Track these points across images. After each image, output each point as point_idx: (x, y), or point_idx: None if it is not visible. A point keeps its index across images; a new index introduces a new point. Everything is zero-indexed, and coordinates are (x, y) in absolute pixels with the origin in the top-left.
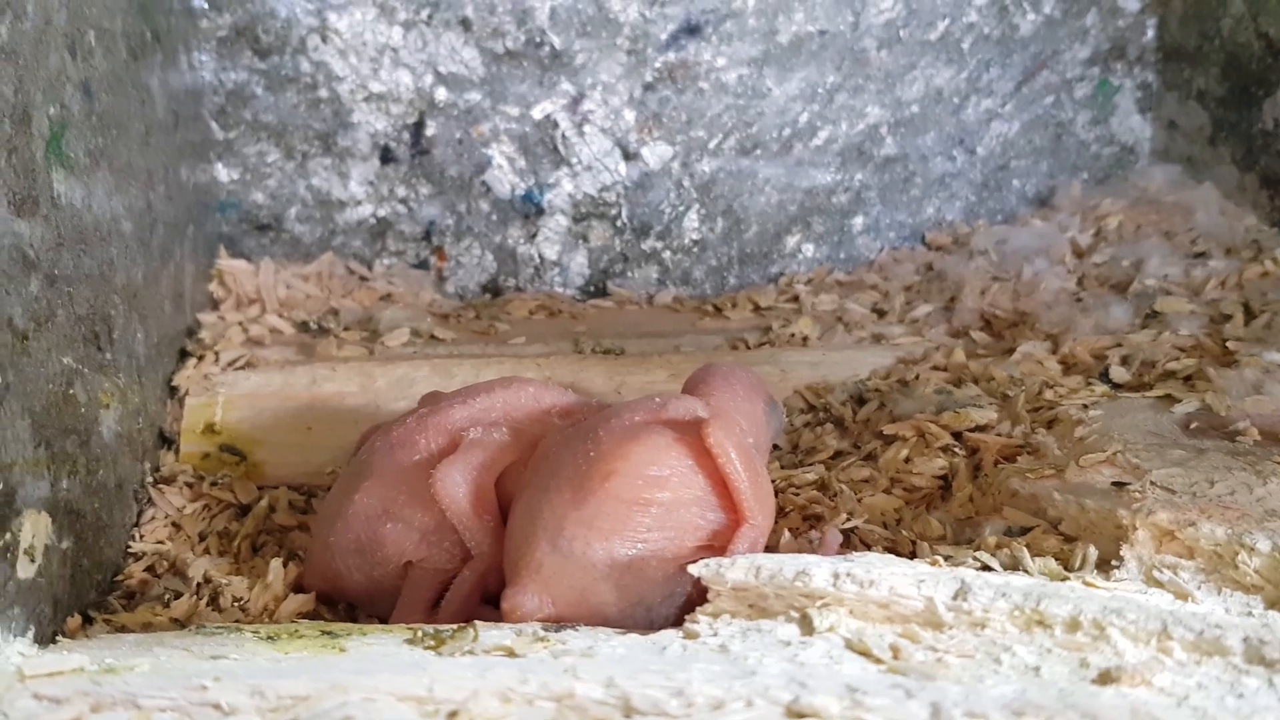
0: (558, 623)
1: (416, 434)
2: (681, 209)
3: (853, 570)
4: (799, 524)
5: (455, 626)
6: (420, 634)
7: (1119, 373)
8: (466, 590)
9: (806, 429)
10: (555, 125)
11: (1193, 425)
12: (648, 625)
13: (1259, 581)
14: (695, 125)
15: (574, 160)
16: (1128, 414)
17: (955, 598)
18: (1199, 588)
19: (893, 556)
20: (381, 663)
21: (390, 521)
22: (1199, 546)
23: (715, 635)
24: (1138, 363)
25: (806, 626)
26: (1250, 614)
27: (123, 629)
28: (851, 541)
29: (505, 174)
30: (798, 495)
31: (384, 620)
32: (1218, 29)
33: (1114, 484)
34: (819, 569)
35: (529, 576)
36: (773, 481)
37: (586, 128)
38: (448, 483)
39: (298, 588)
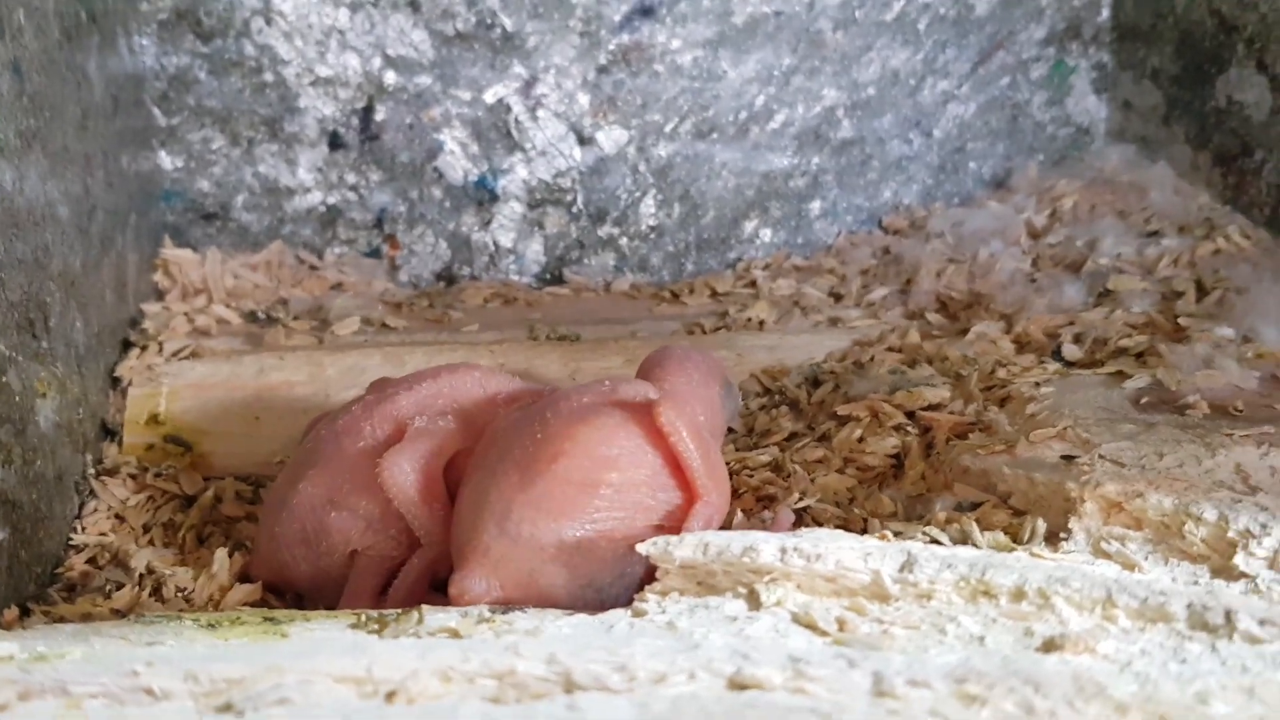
0: (506, 605)
1: (362, 421)
2: (638, 194)
3: (800, 545)
4: (752, 505)
5: (400, 611)
6: (364, 618)
7: (1071, 350)
8: (414, 577)
9: (762, 412)
10: (508, 109)
11: (1143, 400)
12: (599, 606)
13: (1205, 551)
14: (650, 109)
15: (528, 145)
16: (1079, 390)
17: (901, 570)
18: (1146, 558)
19: (841, 532)
20: (322, 646)
21: (335, 510)
22: (1146, 517)
23: (663, 613)
24: (1090, 340)
25: (754, 602)
26: (1196, 583)
27: (61, 620)
28: (804, 520)
29: (458, 160)
30: (751, 477)
31: (332, 609)
32: (1171, 6)
33: (1063, 457)
34: (766, 545)
35: (476, 560)
36: (727, 464)
37: (540, 112)
38: (395, 471)
39: (244, 577)
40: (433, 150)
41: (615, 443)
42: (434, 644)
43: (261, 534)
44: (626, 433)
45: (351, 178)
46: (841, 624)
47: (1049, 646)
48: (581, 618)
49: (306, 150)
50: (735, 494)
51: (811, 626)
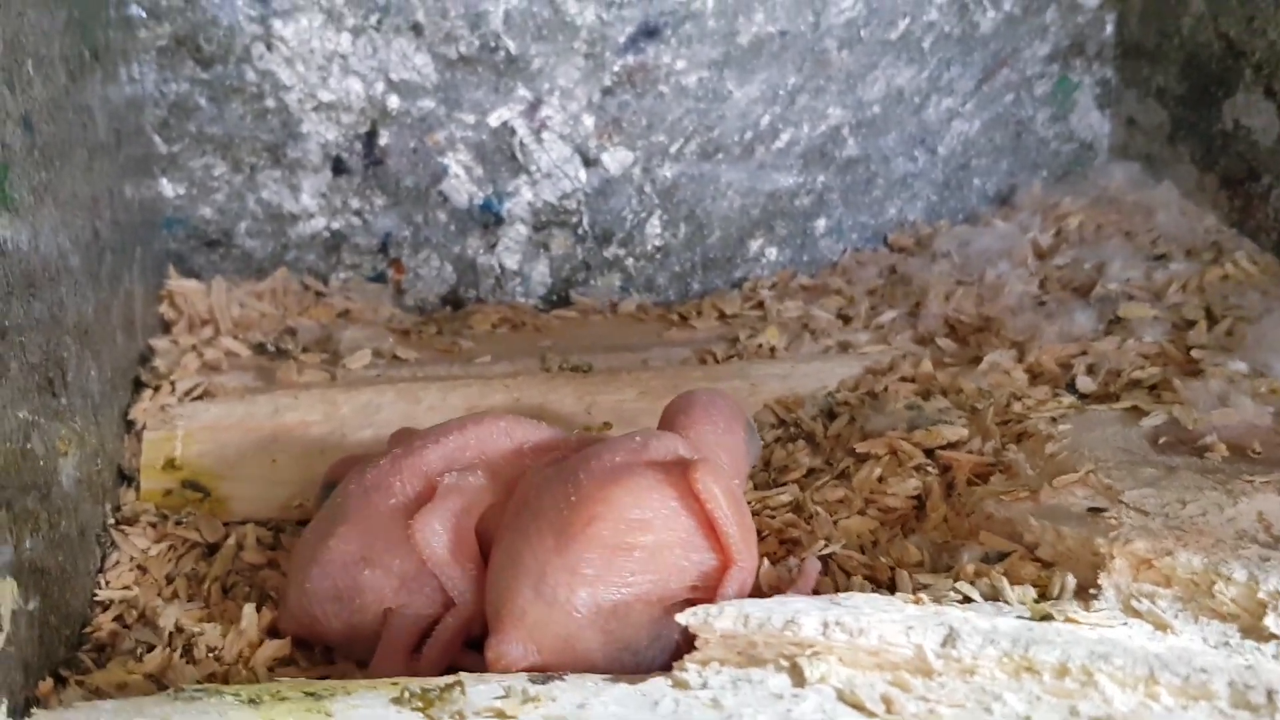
0: (544, 672)
1: (391, 476)
2: (643, 215)
3: (842, 619)
4: (775, 548)
5: (442, 684)
6: (406, 694)
7: (1085, 383)
8: (448, 637)
9: (778, 445)
10: (513, 132)
11: (1161, 440)
12: (635, 668)
13: (1235, 610)
14: (656, 130)
15: (533, 168)
16: (1096, 428)
17: (944, 644)
18: (1176, 616)
19: (878, 596)
20: None
21: (369, 568)
22: (1176, 575)
23: (705, 687)
24: (1103, 372)
25: (797, 676)
26: (1228, 643)
27: (97, 692)
28: (830, 568)
29: (463, 183)
30: (774, 518)
31: (363, 664)
32: (1177, 27)
33: (1090, 509)
34: (808, 618)
35: (512, 625)
36: (748, 503)
37: (545, 134)
38: (426, 531)
39: (272, 631)
40: (437, 174)
41: (649, 505)
42: None
43: (290, 588)
44: (660, 495)
45: (355, 202)
46: (888, 703)
47: None
48: (624, 689)
49: (310, 176)
50: (758, 536)
51: (859, 707)
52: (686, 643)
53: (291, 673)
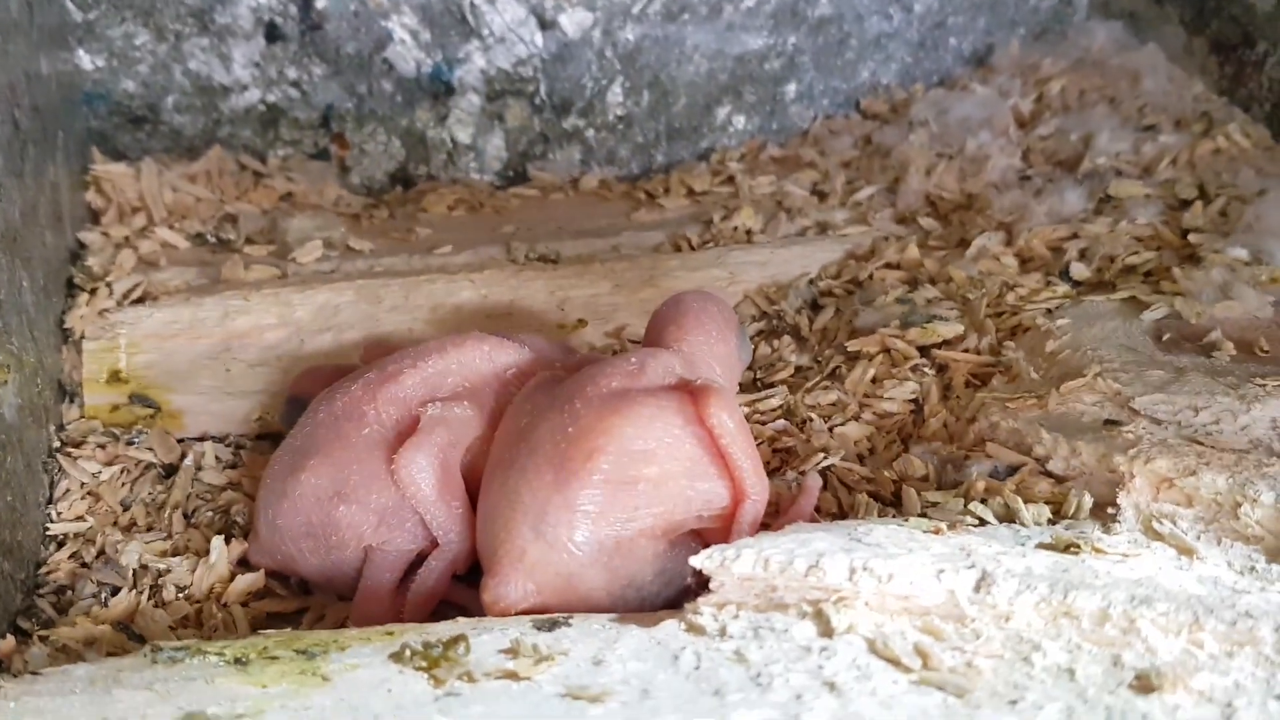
0: (546, 614)
1: (364, 404)
2: (604, 82)
3: (870, 563)
4: (769, 457)
5: (445, 638)
6: (408, 651)
7: (1079, 269)
8: (434, 579)
9: (762, 340)
10: None
11: (1165, 337)
12: (639, 604)
13: (1260, 533)
14: None
15: (485, 31)
16: (1096, 322)
17: (977, 589)
18: (1199, 538)
19: (897, 527)
20: (370, 697)
21: (344, 504)
22: (1199, 495)
23: (725, 634)
24: (1097, 257)
25: (824, 625)
26: (1254, 568)
27: (64, 650)
28: (830, 481)
29: (409, 49)
30: (764, 425)
31: (344, 598)
32: None
33: (1107, 422)
34: (833, 562)
35: (511, 565)
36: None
37: None
38: (411, 468)
39: (243, 562)
40: (381, 40)
41: (651, 434)
42: (496, 702)
43: (260, 521)
44: (663, 423)
45: (293, 73)
46: (924, 657)
47: (1144, 686)
48: (637, 638)
49: (241, 43)
50: None
51: (894, 661)
52: (696, 579)
53: (267, 606)
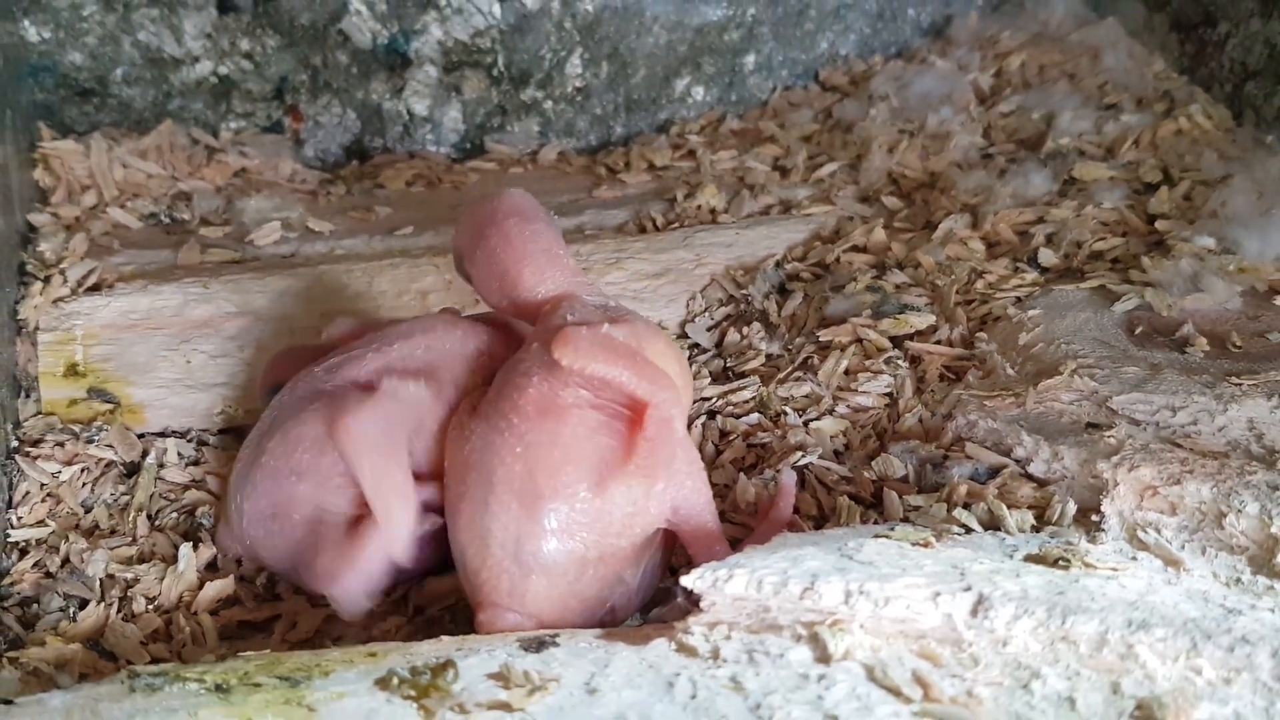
0: (534, 635)
1: (324, 385)
2: (563, 54)
3: (866, 586)
4: (744, 453)
5: (431, 664)
6: (395, 678)
7: (1047, 256)
8: (376, 568)
9: (730, 326)
10: None
11: (1138, 330)
12: (626, 599)
13: (1245, 543)
14: None
15: (442, 2)
16: (1067, 313)
17: (974, 614)
18: (1183, 548)
19: (887, 541)
20: None
21: (301, 481)
22: (1183, 504)
23: (718, 658)
24: (1065, 243)
25: (820, 650)
26: (1239, 579)
27: (35, 674)
28: (807, 480)
29: (364, 20)
30: (738, 419)
31: (314, 601)
32: None
33: (1088, 425)
34: (828, 585)
35: (501, 599)
36: (708, 399)
37: None
38: (352, 431)
39: (211, 566)
40: (336, 10)
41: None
42: None
43: (230, 507)
44: (576, 417)
45: (245, 44)
46: (925, 687)
47: (1146, 717)
48: (628, 661)
49: (192, 14)
50: (725, 438)
51: (894, 691)
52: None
53: (237, 614)
